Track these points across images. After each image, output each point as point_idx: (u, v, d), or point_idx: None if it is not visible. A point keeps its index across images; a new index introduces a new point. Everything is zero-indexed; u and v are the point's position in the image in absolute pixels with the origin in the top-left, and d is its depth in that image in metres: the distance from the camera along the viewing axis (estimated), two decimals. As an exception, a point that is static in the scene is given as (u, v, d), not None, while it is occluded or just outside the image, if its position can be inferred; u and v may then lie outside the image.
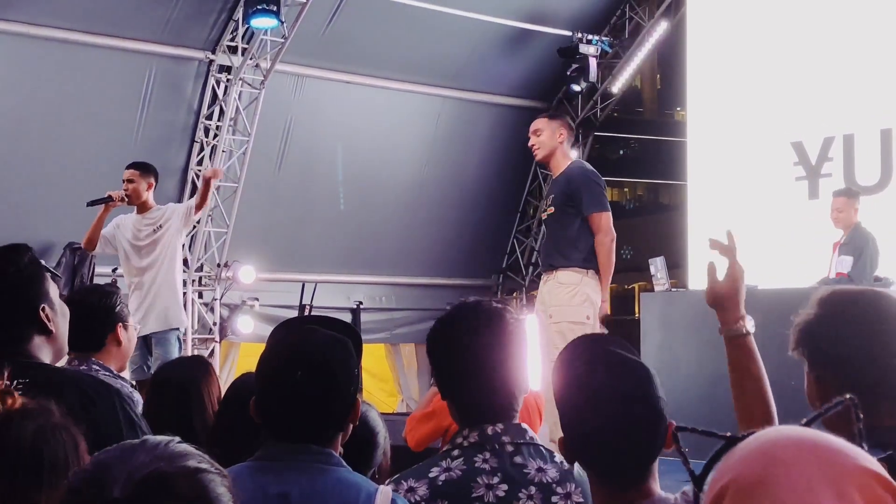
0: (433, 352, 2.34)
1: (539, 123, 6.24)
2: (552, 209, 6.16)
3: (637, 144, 27.90)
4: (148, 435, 1.62)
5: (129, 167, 6.77)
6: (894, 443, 1.82)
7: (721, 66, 10.35)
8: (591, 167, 6.24)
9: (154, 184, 6.80)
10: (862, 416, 1.12)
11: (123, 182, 6.67)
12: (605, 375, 1.89)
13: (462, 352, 2.26)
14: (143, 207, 6.73)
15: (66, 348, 2.53)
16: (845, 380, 1.92)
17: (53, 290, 2.47)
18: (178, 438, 1.18)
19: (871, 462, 1.02)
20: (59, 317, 2.46)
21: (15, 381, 2.25)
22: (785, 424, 1.12)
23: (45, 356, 2.43)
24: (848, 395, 1.15)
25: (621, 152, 28.93)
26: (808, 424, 1.08)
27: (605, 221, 5.98)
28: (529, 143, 6.28)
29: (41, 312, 2.41)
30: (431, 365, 2.36)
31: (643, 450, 1.90)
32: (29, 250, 2.52)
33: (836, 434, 1.06)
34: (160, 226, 6.69)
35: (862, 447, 1.06)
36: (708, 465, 1.09)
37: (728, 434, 1.14)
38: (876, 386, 1.91)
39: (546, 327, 5.89)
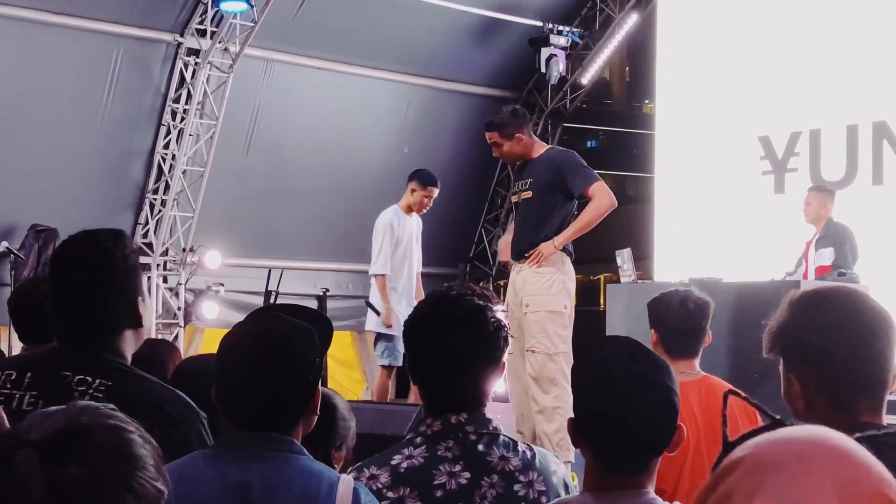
0: (410, 339, 2.32)
1: (493, 138, 6.04)
2: (529, 193, 5.98)
3: (605, 136, 27.95)
4: None
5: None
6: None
7: (690, 60, 10.39)
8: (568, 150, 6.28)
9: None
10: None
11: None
12: (626, 359, 1.95)
13: (439, 346, 2.25)
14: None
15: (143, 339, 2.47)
16: (826, 376, 1.91)
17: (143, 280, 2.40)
18: (112, 406, 1.18)
19: (892, 488, 1.00)
20: (147, 309, 2.39)
21: (98, 381, 2.22)
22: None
23: (130, 349, 2.36)
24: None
25: (589, 144, 28.98)
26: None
27: (601, 189, 5.92)
28: (494, 154, 6.21)
29: (139, 305, 2.35)
30: (406, 350, 2.35)
31: (648, 435, 1.94)
32: (128, 236, 2.42)
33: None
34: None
35: None
36: (744, 437, 1.10)
37: (777, 416, 1.16)
38: (855, 381, 1.90)
39: (518, 317, 5.73)
